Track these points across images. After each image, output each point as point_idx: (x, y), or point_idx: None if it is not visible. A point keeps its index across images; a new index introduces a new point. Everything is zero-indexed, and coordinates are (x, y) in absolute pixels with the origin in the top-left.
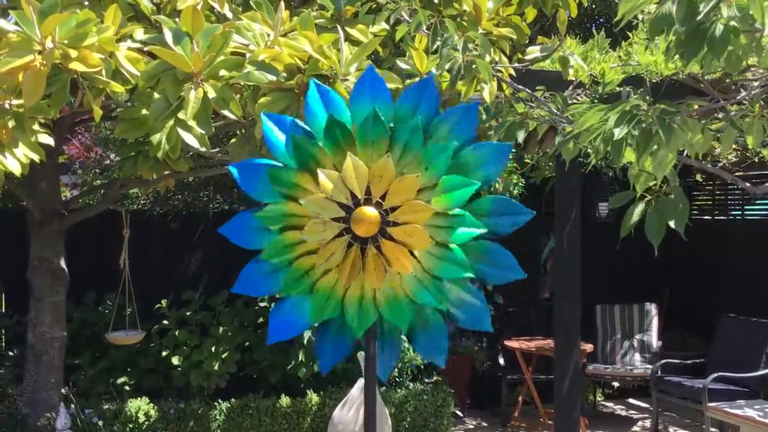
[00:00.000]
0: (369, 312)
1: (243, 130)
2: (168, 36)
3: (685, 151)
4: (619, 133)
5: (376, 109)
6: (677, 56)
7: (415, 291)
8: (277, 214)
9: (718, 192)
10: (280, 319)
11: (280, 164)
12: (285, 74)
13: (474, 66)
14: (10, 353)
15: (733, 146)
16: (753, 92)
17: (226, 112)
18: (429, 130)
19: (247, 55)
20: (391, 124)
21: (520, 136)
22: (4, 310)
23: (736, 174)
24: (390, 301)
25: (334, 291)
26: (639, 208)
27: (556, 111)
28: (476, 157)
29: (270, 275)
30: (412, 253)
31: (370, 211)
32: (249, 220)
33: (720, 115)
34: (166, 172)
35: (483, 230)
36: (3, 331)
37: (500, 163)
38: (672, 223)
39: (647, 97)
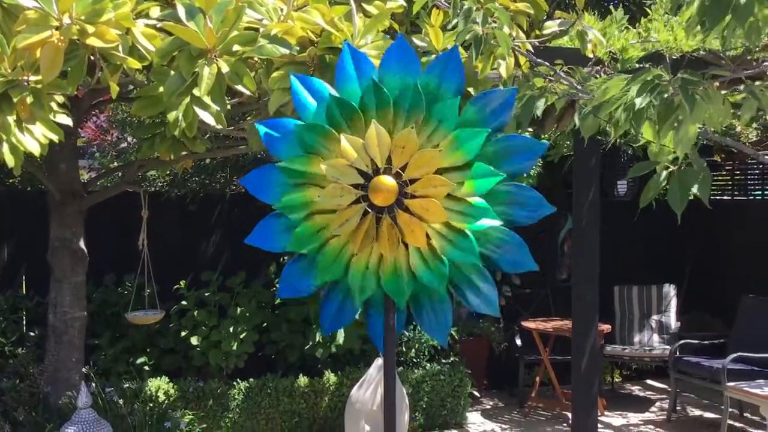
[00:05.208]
0: (371, 281)
1: (258, 110)
2: (181, 12)
3: (707, 128)
4: (640, 102)
5: (375, 80)
6: (699, 26)
7: (419, 268)
8: (300, 169)
9: (737, 172)
10: (291, 276)
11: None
12: (298, 48)
13: (493, 40)
14: (31, 333)
15: (754, 126)
16: None
17: (240, 87)
18: (462, 109)
19: (261, 29)
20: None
21: (539, 109)
22: (24, 291)
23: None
24: (392, 273)
25: (341, 254)
26: (661, 177)
27: (575, 84)
28: (506, 147)
29: (284, 232)
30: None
31: (389, 180)
32: (271, 173)
33: (741, 87)
34: (184, 153)
35: (501, 176)
36: (24, 312)
37: (531, 158)
38: (695, 190)
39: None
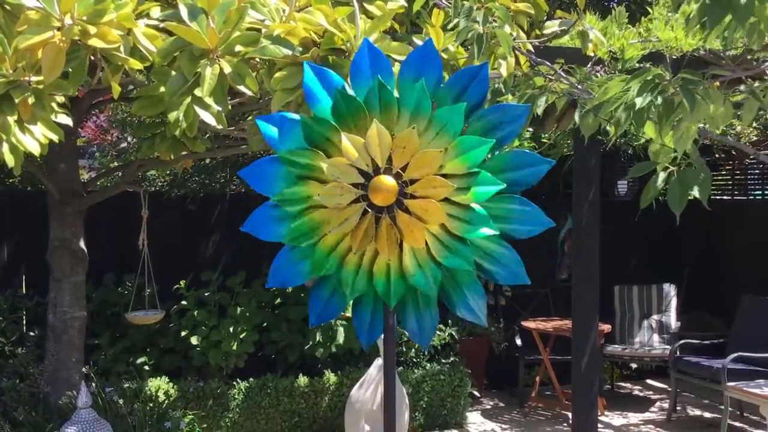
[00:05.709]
0: (399, 282)
1: (259, 111)
2: (183, 12)
3: (707, 127)
4: (641, 102)
5: (380, 79)
6: (699, 26)
7: (412, 270)
8: (303, 161)
9: (737, 171)
10: (283, 265)
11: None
12: (300, 48)
13: (494, 39)
14: (31, 333)
15: (753, 125)
16: None
17: (242, 88)
18: (436, 96)
19: (263, 30)
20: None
21: (540, 108)
22: (24, 291)
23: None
24: (384, 273)
25: (336, 249)
26: (661, 178)
27: (576, 84)
28: (491, 119)
29: (279, 221)
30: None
31: (389, 180)
32: (272, 165)
33: (741, 87)
34: (184, 153)
35: (502, 186)
36: (24, 312)
37: (517, 123)
38: (696, 192)
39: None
